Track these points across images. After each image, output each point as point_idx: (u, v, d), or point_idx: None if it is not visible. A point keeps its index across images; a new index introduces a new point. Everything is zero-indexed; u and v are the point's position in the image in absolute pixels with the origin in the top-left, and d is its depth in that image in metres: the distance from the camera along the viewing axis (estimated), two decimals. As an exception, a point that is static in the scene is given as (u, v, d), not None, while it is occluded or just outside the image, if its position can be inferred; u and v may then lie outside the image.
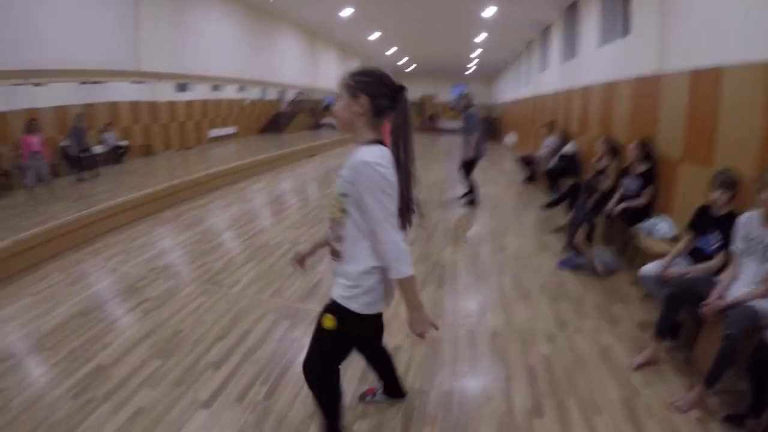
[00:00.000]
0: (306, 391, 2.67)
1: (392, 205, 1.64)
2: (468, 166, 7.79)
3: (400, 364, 3.11)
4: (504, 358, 3.22)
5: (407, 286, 1.71)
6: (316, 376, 2.02)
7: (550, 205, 7.07)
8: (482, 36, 14.27)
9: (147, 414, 2.63)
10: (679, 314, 2.97)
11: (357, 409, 2.66)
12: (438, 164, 13.46)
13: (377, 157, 1.62)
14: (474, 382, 2.98)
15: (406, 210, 1.78)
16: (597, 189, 4.89)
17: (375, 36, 15.89)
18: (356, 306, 1.78)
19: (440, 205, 8.01)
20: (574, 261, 4.81)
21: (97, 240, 5.79)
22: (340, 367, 2.07)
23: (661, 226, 4.50)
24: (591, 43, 8.28)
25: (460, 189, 8.40)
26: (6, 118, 7.79)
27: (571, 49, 9.97)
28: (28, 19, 6.75)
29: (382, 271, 1.74)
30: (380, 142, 1.73)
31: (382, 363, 2.49)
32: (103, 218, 5.88)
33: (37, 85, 7.46)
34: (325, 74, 17.72)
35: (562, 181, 7.73)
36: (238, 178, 9.91)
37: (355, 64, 19.98)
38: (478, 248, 5.65)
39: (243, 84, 12.79)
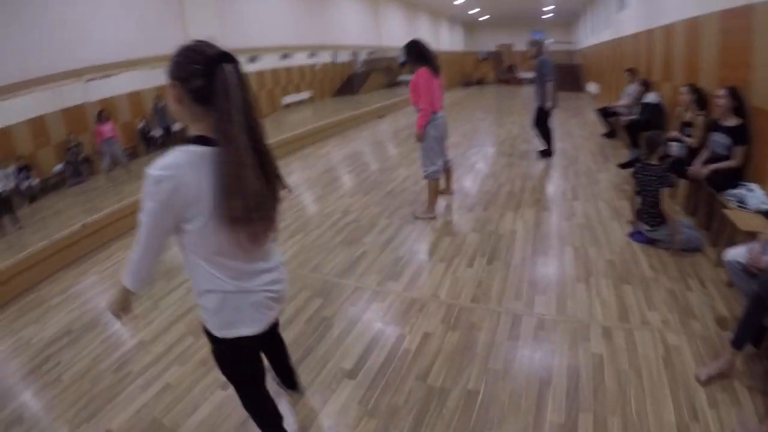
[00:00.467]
0: (323, 377, 2.58)
1: (149, 217, 1.35)
2: (543, 117, 7.17)
3: (428, 354, 2.88)
4: (546, 356, 2.83)
5: (122, 292, 1.61)
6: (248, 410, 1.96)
7: (628, 164, 6.18)
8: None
9: (173, 390, 2.69)
10: (766, 319, 2.33)
11: (367, 405, 2.46)
12: (514, 117, 12.58)
13: (161, 165, 1.31)
14: (504, 383, 2.62)
15: (245, 212, 1.37)
16: (659, 144, 4.03)
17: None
18: (210, 327, 1.62)
19: (509, 164, 7.41)
20: (649, 233, 4.09)
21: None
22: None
23: (753, 196, 3.62)
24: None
25: (536, 143, 7.82)
26: (84, 110, 8.38)
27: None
28: (86, 18, 7.11)
29: (223, 292, 1.53)
30: (205, 139, 1.38)
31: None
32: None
33: (107, 77, 7.92)
34: (391, 32, 17.01)
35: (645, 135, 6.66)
36: (306, 143, 9.98)
37: (422, 20, 19.02)
38: (542, 214, 5.12)
39: (312, 50, 12.70)
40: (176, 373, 2.90)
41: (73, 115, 8.33)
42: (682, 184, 4.87)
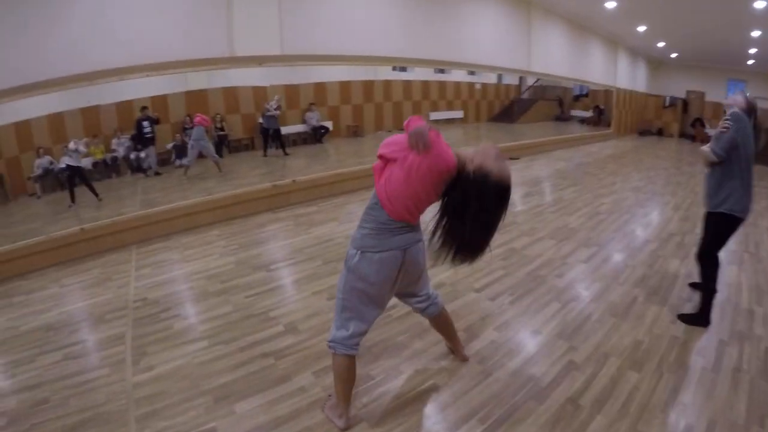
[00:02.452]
0: None
1: None
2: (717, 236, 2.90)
3: None
4: None
5: None
6: None
7: None
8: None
9: None
10: None
11: None
12: (686, 191, 7.13)
13: None
14: None
15: None
16: None
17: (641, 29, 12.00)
18: None
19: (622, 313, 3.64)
20: None
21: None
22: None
23: None
24: None
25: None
26: (206, 95, 8.49)
27: None
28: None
29: None
30: None
31: None
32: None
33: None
34: (550, 56, 13.67)
35: None
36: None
37: (595, 45, 15.78)
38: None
39: (429, 65, 10.91)
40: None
41: (195, 98, 8.37)
42: None
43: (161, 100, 8.26)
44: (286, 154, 8.50)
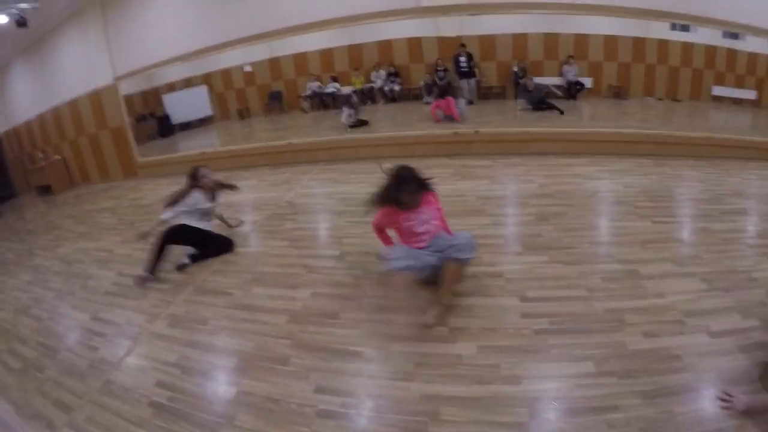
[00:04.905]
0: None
1: None
2: None
3: None
4: None
5: None
6: None
7: None
8: None
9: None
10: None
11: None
12: None
13: None
14: None
15: None
16: None
17: None
18: None
19: None
20: None
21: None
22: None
23: None
24: None
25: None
26: (456, 41, 8.96)
27: None
28: None
29: None
30: None
31: None
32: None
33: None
34: None
35: None
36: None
37: None
38: None
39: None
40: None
41: (447, 43, 9.06)
42: None
43: (416, 42, 9.24)
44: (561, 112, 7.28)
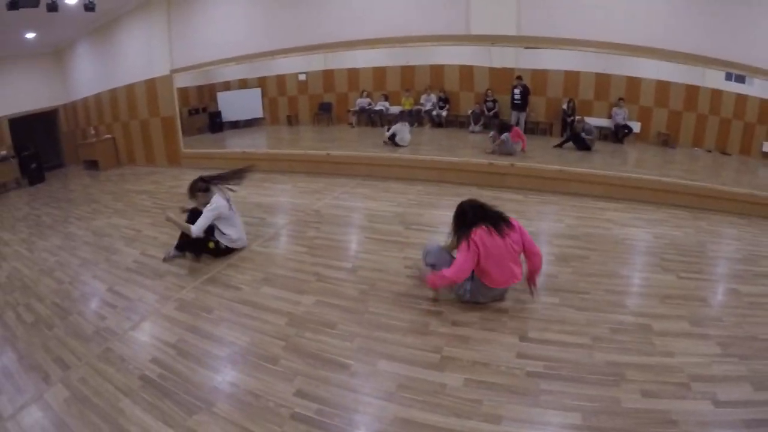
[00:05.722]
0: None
1: None
2: None
3: None
4: None
5: None
6: None
7: None
8: None
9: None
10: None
11: None
12: None
13: None
14: None
15: None
16: None
17: None
18: None
19: None
20: None
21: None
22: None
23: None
24: None
25: None
26: (507, 73, 9.04)
27: None
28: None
29: None
30: None
31: None
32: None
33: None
34: None
35: None
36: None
37: None
38: None
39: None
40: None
41: (498, 74, 9.17)
42: None
43: (468, 69, 9.38)
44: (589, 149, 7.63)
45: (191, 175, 6.14)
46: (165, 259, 3.58)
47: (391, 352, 2.36)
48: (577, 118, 8.04)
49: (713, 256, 3.76)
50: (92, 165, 8.30)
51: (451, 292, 2.81)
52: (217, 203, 3.44)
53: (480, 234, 2.55)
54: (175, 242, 3.64)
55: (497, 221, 2.62)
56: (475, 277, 2.65)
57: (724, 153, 9.21)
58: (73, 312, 2.90)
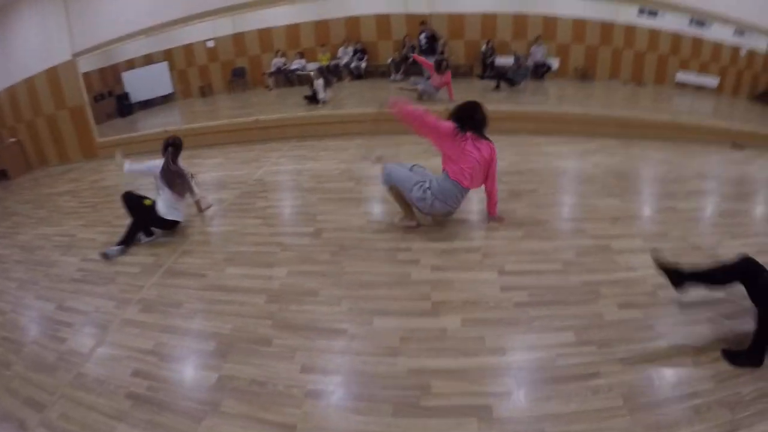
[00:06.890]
0: None
1: None
2: None
3: None
4: None
5: None
6: None
7: None
8: None
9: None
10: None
11: None
12: None
13: None
14: None
15: None
16: None
17: None
18: None
19: None
20: None
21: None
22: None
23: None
24: None
25: None
26: (428, 18, 8.64)
27: None
28: None
29: None
30: None
31: None
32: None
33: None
34: None
35: None
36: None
37: None
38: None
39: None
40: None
41: (415, 20, 8.78)
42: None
43: (384, 18, 8.96)
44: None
45: (111, 167, 5.47)
46: (107, 257, 3.16)
47: (383, 307, 2.26)
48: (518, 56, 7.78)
49: (648, 179, 4.01)
50: (1, 176, 7.19)
51: (411, 195, 2.82)
52: (157, 162, 3.26)
53: (469, 135, 2.75)
54: (116, 239, 3.23)
55: (483, 136, 2.83)
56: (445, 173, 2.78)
57: (638, 83, 9.67)
58: (26, 342, 2.49)
